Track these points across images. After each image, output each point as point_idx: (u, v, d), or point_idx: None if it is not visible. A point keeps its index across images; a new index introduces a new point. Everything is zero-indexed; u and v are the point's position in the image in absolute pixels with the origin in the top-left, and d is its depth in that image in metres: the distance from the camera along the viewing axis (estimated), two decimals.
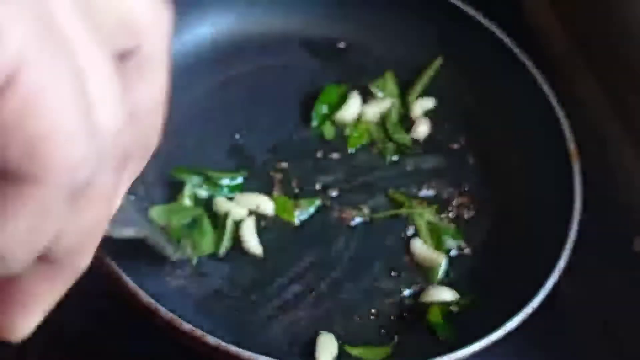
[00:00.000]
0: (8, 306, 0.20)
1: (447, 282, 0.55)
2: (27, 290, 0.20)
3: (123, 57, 0.20)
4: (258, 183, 0.57)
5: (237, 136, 0.59)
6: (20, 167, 0.17)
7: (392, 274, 0.55)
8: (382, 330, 0.53)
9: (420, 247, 0.56)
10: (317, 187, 0.58)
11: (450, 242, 0.56)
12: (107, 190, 0.19)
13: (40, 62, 0.16)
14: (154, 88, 0.22)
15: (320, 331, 0.51)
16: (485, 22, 0.61)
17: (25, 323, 0.21)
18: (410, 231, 0.57)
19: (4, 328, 0.20)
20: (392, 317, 0.53)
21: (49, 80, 0.17)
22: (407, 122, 0.62)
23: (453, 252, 0.56)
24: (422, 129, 0.61)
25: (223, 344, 0.44)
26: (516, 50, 0.60)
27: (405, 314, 0.54)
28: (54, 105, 0.17)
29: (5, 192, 0.17)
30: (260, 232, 0.55)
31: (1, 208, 0.17)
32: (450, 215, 0.58)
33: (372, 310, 0.53)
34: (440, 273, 0.55)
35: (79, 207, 0.18)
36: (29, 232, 0.18)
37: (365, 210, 0.57)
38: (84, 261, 0.21)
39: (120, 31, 0.20)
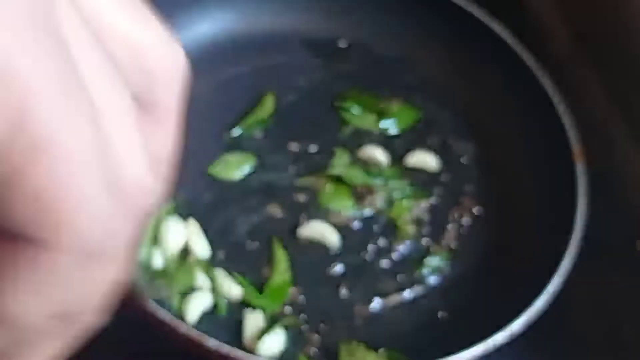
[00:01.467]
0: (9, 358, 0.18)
1: (450, 283, 0.55)
2: (30, 343, 0.18)
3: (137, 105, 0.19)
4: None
5: (236, 135, 0.59)
6: (27, 230, 0.15)
7: (393, 272, 0.55)
8: (384, 330, 0.53)
9: None
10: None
11: (437, 267, 0.56)
12: (124, 247, 0.17)
13: (56, 109, 0.15)
14: (164, 140, 0.20)
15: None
16: (489, 22, 0.61)
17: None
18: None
19: None
20: (394, 317, 0.53)
21: (66, 128, 0.15)
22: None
23: (457, 252, 0.56)
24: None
25: (223, 346, 0.44)
26: (520, 49, 0.60)
27: (408, 314, 0.53)
28: (77, 160, 0.15)
29: (12, 254, 0.16)
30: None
31: (6, 271, 0.16)
32: (455, 215, 0.58)
33: (373, 310, 0.53)
34: (443, 272, 0.55)
35: (91, 267, 0.17)
36: (36, 297, 0.16)
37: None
38: (95, 318, 0.19)
39: (134, 75, 0.18)
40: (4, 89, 0.14)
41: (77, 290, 0.17)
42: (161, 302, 0.45)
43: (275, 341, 0.50)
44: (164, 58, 0.19)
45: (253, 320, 0.51)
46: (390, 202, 0.58)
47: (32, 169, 0.15)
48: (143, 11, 0.19)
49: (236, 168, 0.57)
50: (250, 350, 0.50)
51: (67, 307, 0.17)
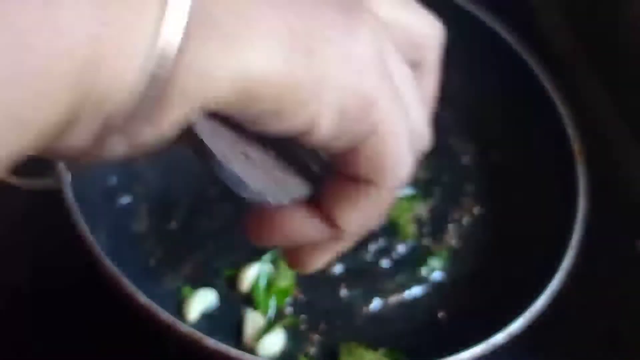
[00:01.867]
0: (311, 251, 0.29)
1: (450, 283, 0.55)
2: (329, 246, 0.29)
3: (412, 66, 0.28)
4: None
5: None
6: (367, 176, 0.25)
7: (393, 272, 0.55)
8: (384, 330, 0.53)
9: None
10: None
11: (437, 267, 0.56)
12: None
13: (390, 106, 0.24)
14: (429, 87, 0.30)
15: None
16: (490, 21, 0.61)
17: (317, 265, 0.30)
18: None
19: (303, 265, 0.29)
20: (394, 317, 0.53)
21: (394, 116, 0.24)
22: None
23: (457, 251, 0.56)
24: None
25: (222, 346, 0.44)
26: (520, 49, 0.60)
27: (408, 314, 0.53)
28: (396, 134, 0.25)
29: (352, 191, 0.25)
30: None
31: (346, 201, 0.26)
32: (455, 215, 0.58)
33: (373, 310, 0.53)
34: (443, 272, 0.55)
35: (394, 196, 0.26)
36: (364, 217, 0.26)
37: None
38: (370, 229, 0.28)
39: (411, 50, 0.28)
40: (364, 98, 0.24)
41: (383, 210, 0.26)
42: (161, 302, 0.45)
43: (275, 341, 0.50)
44: (428, 32, 0.29)
45: (253, 320, 0.51)
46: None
47: (373, 140, 0.24)
48: (410, 3, 0.29)
49: None
50: (250, 350, 0.50)
51: (374, 220, 0.27)
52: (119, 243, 0.52)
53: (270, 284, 0.53)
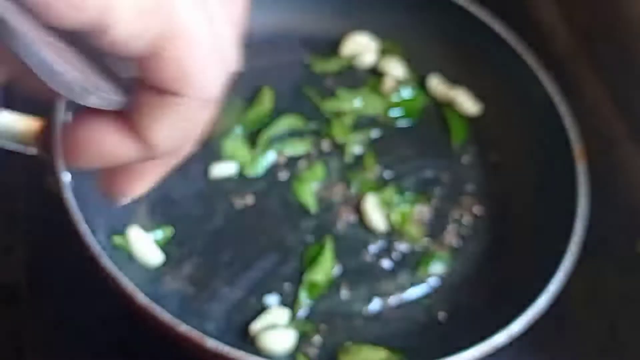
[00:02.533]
0: (126, 176, 0.29)
1: (450, 283, 0.55)
2: (143, 169, 0.29)
3: None
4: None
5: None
6: (172, 85, 0.25)
7: (393, 272, 0.55)
8: (384, 330, 0.53)
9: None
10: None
11: (437, 267, 0.56)
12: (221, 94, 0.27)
13: (192, 9, 0.24)
14: (238, 9, 0.29)
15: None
16: (489, 20, 0.61)
17: (135, 191, 0.30)
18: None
19: (119, 190, 0.30)
20: (394, 317, 0.53)
21: (196, 21, 0.24)
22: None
23: (457, 251, 0.56)
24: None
25: (222, 346, 0.44)
26: (520, 49, 0.60)
27: (408, 314, 0.53)
28: (198, 41, 0.25)
29: (158, 103, 0.25)
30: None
31: (154, 113, 0.25)
32: (455, 215, 0.58)
33: (373, 310, 0.53)
34: (443, 272, 0.55)
35: (205, 109, 0.26)
36: (175, 131, 0.26)
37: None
38: (186, 151, 0.28)
39: None
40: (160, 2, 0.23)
41: (194, 125, 0.26)
42: (161, 302, 0.45)
43: (285, 340, 0.50)
44: None
45: (270, 315, 0.51)
46: (390, 202, 0.57)
47: (174, 45, 0.24)
48: None
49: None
50: (253, 341, 0.50)
51: (186, 137, 0.26)
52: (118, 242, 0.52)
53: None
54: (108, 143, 0.26)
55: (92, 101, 0.24)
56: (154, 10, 0.23)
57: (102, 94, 0.24)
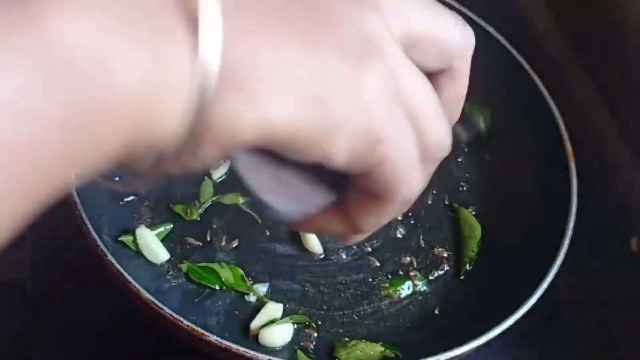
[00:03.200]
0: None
1: (448, 281, 0.56)
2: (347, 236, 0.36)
3: (441, 71, 0.32)
4: None
5: None
6: (381, 194, 0.29)
7: (391, 271, 0.55)
8: (381, 325, 0.53)
9: None
10: None
11: (433, 262, 0.56)
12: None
13: (395, 140, 0.28)
14: (460, 89, 0.33)
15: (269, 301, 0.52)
16: (483, 24, 0.61)
17: (359, 238, 0.37)
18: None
19: (351, 236, 0.35)
20: (391, 313, 0.54)
21: (400, 149, 0.28)
22: None
23: (452, 250, 0.57)
24: None
25: (224, 342, 0.44)
26: (513, 51, 0.60)
27: (405, 311, 0.54)
28: (401, 163, 0.28)
29: (369, 202, 0.30)
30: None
31: (365, 209, 0.31)
32: (450, 215, 0.59)
33: (371, 307, 0.54)
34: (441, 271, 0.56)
35: (405, 206, 0.31)
36: (380, 220, 0.31)
37: None
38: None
39: (440, 58, 0.31)
40: (371, 138, 0.27)
41: (396, 215, 0.32)
42: (164, 299, 0.46)
43: (283, 333, 0.51)
44: (458, 43, 0.31)
45: (270, 310, 0.52)
46: None
47: (382, 169, 0.28)
48: (438, 10, 0.31)
49: None
50: (254, 336, 0.50)
51: (387, 221, 0.32)
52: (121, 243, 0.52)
53: None
54: (326, 223, 0.33)
55: (304, 215, 0.32)
56: (365, 151, 0.27)
57: (315, 205, 0.32)
